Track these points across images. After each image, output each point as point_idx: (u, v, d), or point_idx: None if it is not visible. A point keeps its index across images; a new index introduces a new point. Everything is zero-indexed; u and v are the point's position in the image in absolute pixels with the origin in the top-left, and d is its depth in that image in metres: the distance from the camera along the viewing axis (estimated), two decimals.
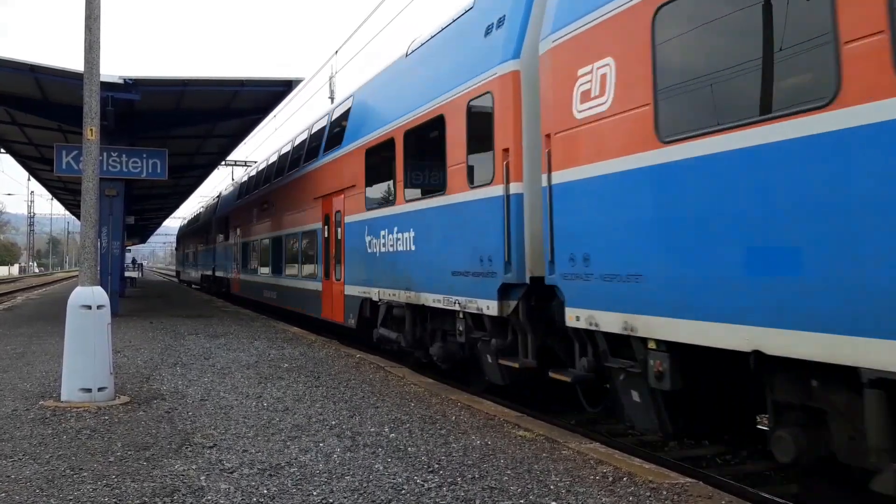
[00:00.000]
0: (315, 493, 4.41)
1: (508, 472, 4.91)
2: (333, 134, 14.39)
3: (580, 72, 6.18)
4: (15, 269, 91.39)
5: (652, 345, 5.51)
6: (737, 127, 4.63)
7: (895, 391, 3.76)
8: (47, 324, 15.37)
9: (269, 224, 20.21)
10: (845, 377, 4.04)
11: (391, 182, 10.63)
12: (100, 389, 7.10)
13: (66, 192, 35.30)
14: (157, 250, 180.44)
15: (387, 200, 10.83)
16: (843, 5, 3.93)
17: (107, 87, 13.55)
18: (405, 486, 4.56)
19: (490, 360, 8.14)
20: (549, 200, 6.56)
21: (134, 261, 54.92)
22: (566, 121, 6.34)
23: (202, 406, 7.02)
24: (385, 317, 10.92)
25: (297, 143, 18.09)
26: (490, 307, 7.64)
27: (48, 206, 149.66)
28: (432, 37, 10.10)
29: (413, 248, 9.70)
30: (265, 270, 20.84)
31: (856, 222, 3.85)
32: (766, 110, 4.47)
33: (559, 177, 6.45)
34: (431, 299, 9.07)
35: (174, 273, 73.77)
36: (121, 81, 15.00)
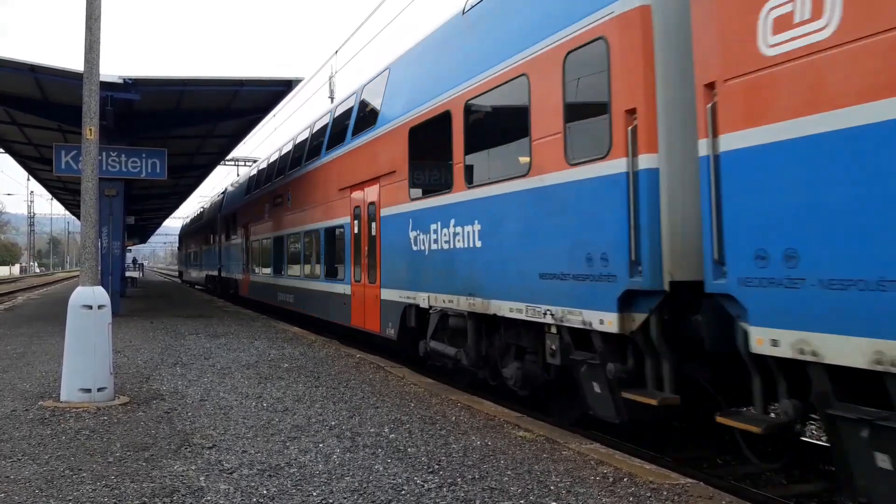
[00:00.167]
0: (315, 494, 4.40)
1: (509, 472, 4.90)
2: (364, 115, 12.71)
3: None
4: (16, 270, 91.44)
5: None
6: None
7: None
8: (47, 324, 15.36)
9: (284, 220, 18.51)
10: None
11: (446, 165, 8.93)
12: (99, 390, 7.09)
13: (65, 192, 35.30)
14: (158, 250, 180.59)
15: (440, 187, 9.21)
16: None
17: (106, 86, 13.56)
18: (405, 487, 4.55)
19: (600, 391, 6.31)
20: (715, 175, 4.87)
21: (134, 261, 54.92)
22: (747, 60, 4.64)
23: (202, 406, 7.01)
24: (438, 327, 9.27)
25: (316, 129, 16.41)
26: (605, 321, 5.93)
27: (48, 206, 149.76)
28: None
29: (478, 244, 8.07)
30: (279, 271, 19.28)
31: None
32: None
33: (735, 140, 4.74)
34: (507, 308, 7.42)
35: (176, 273, 73.65)
36: (120, 81, 14.99)
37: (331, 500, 4.30)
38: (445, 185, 9.00)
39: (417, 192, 9.93)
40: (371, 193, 11.68)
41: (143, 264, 73.18)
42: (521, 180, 7.23)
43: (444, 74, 9.29)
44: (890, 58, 3.77)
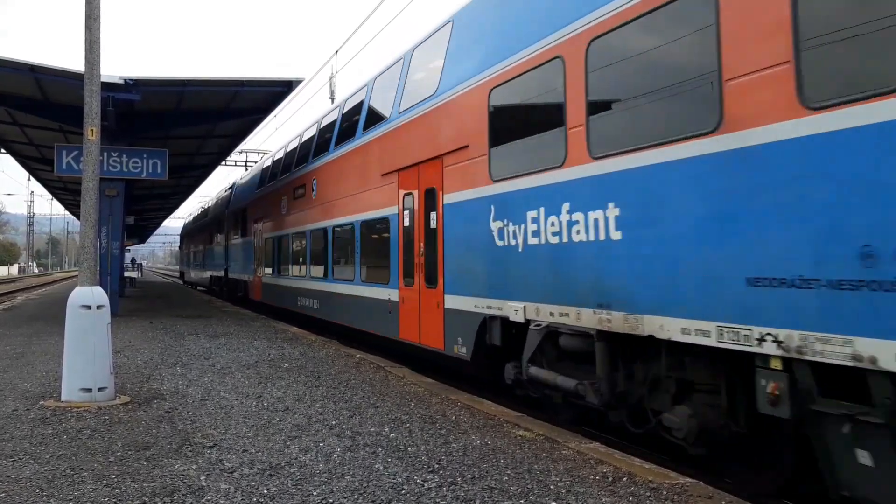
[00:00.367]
0: (315, 493, 4.42)
1: (508, 472, 4.91)
2: (416, 83, 10.72)
3: None
4: (14, 270, 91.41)
5: None
6: None
7: None
8: (47, 324, 15.37)
9: (306, 214, 16.42)
10: None
11: (554, 131, 6.86)
12: (100, 389, 7.10)
13: (66, 192, 35.31)
14: (157, 250, 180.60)
15: (542, 162, 7.09)
16: None
17: (107, 87, 13.55)
18: (405, 486, 4.56)
19: (875, 465, 4.13)
20: None
21: (133, 261, 54.80)
22: None
23: (202, 406, 7.02)
24: (540, 349, 7.13)
25: (348, 108, 14.36)
26: None
27: (48, 206, 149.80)
28: None
29: (616, 236, 5.96)
30: (300, 272, 17.05)
31: None
32: None
33: None
34: (677, 328, 5.29)
35: (177, 274, 73.35)
36: (121, 81, 15.01)
37: (331, 500, 4.31)
38: (553, 159, 6.88)
39: (504, 170, 7.82)
40: (429, 176, 9.68)
41: (141, 264, 73.15)
42: (704, 141, 5.10)
43: (551, 11, 7.18)
44: None
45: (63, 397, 7.12)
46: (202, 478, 4.71)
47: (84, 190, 7.62)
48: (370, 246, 12.39)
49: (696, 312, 5.14)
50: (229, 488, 4.49)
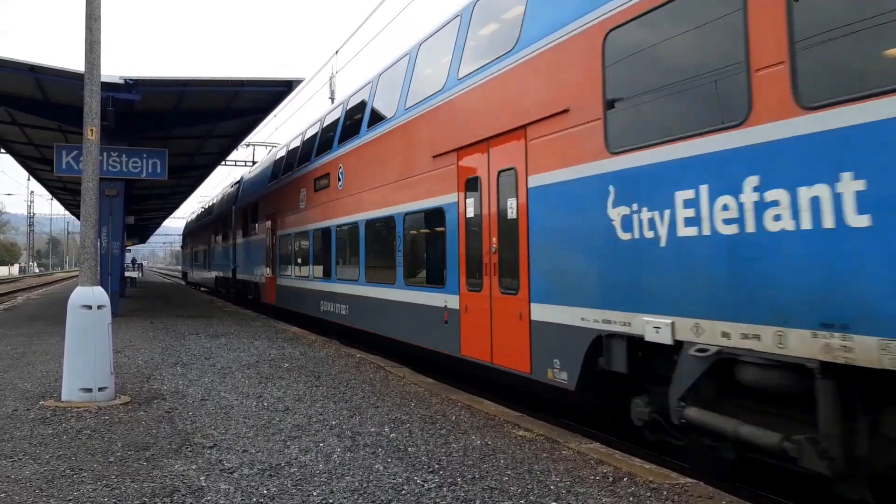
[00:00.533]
0: (315, 494, 4.41)
1: (509, 472, 4.91)
2: (482, 38, 9.07)
3: None
4: (15, 270, 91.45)
5: None
6: None
7: None
8: (48, 324, 15.37)
9: (331, 207, 14.58)
10: None
11: (728, 76, 5.07)
12: (100, 389, 7.10)
13: (65, 192, 35.33)
14: (157, 250, 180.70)
15: (703, 121, 5.28)
16: None
17: (107, 87, 13.55)
18: (405, 487, 4.56)
19: None
20: None
21: (134, 261, 54.61)
22: None
23: (202, 406, 7.02)
24: (702, 382, 5.24)
25: (383, 83, 12.49)
26: None
27: (48, 206, 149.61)
28: None
29: (859, 221, 4.12)
30: (324, 273, 15.17)
31: None
32: None
33: None
34: None
35: (177, 274, 73.24)
36: (121, 81, 15.01)
37: (331, 500, 4.31)
38: (723, 116, 5.08)
39: (631, 137, 5.99)
40: (505, 154, 7.88)
41: (142, 264, 73.10)
42: None
43: None
44: None
45: (63, 397, 7.12)
46: (202, 478, 4.70)
47: (84, 190, 7.62)
48: (417, 242, 10.80)
49: None
50: (229, 488, 4.49)
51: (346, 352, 11.49)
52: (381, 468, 4.96)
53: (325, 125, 16.01)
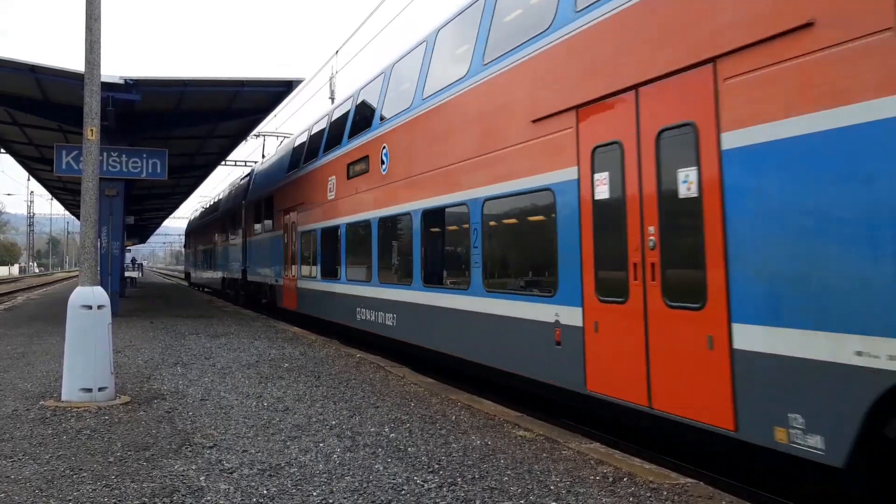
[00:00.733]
0: (315, 494, 4.41)
1: (509, 472, 4.91)
2: None
3: None
4: (15, 270, 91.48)
5: None
6: None
7: None
8: (48, 324, 15.37)
9: (371, 196, 12.37)
10: None
11: None
12: (100, 389, 7.10)
13: (65, 192, 35.33)
14: (158, 250, 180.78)
15: None
16: None
17: (107, 87, 13.57)
18: (405, 487, 4.56)
19: None
20: None
21: (133, 261, 54.54)
22: None
23: (202, 406, 7.02)
24: None
25: (443, 39, 10.35)
26: None
27: (48, 206, 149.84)
28: None
29: None
30: (362, 275, 12.87)
31: None
32: None
33: None
34: None
35: (176, 274, 72.97)
36: (121, 82, 15.01)
37: (331, 500, 4.31)
38: None
39: None
40: (671, 104, 5.77)
41: (142, 264, 73.04)
42: None
43: None
44: None
45: (63, 397, 7.12)
46: (202, 478, 4.70)
47: (84, 190, 7.62)
48: (504, 236, 8.73)
49: None
50: (229, 488, 4.49)
51: (346, 352, 11.49)
52: (381, 468, 4.96)
53: (359, 101, 13.68)
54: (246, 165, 38.18)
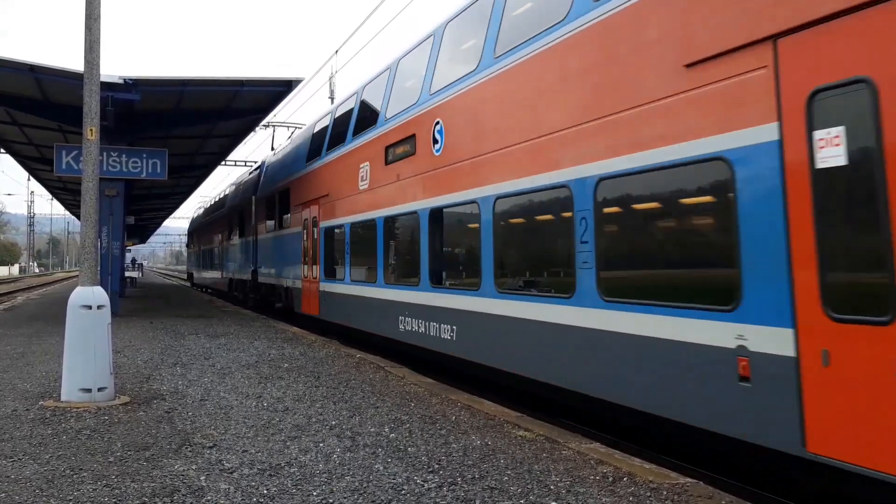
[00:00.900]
0: (315, 494, 4.41)
1: (508, 472, 4.90)
2: None
3: None
4: (15, 270, 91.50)
5: None
6: None
7: None
8: (47, 324, 15.37)
9: (422, 183, 10.28)
10: None
11: None
12: (100, 389, 7.10)
13: (66, 192, 35.33)
14: (158, 250, 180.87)
15: None
16: None
17: (107, 87, 13.56)
18: (405, 487, 4.56)
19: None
20: None
21: (133, 261, 54.47)
22: None
23: (202, 406, 7.02)
24: None
25: None
26: None
27: (48, 206, 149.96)
28: None
29: None
30: (404, 278, 11.09)
31: None
32: None
33: None
34: None
35: (177, 274, 72.67)
36: (121, 81, 15.01)
37: (331, 500, 4.31)
38: None
39: None
40: None
41: (142, 264, 73.03)
42: None
43: None
44: None
45: (63, 397, 7.11)
46: (202, 478, 4.70)
47: (84, 190, 7.62)
48: (637, 225, 6.59)
49: None
50: (229, 488, 4.49)
51: (346, 352, 11.49)
52: (381, 468, 4.96)
53: (400, 71, 11.63)
54: (246, 165, 37.86)
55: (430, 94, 10.13)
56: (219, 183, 79.55)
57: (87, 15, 7.73)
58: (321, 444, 5.58)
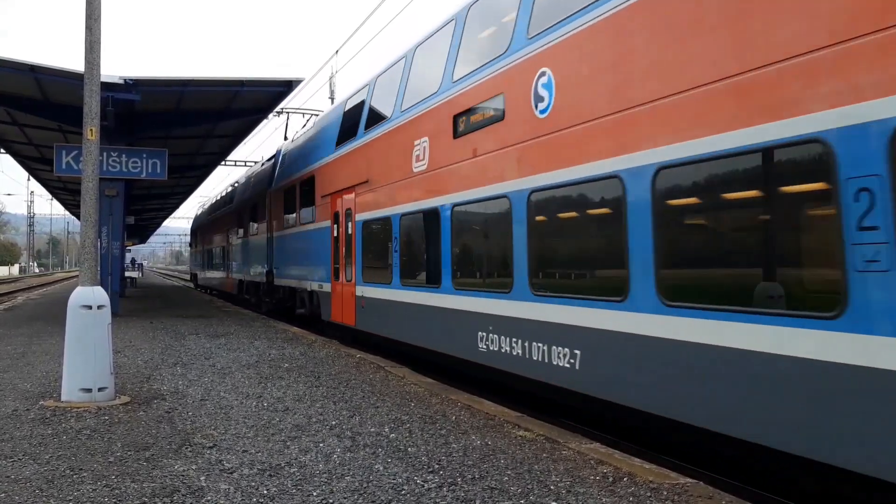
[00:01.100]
0: (315, 494, 4.41)
1: (509, 472, 4.90)
2: None
3: None
4: (15, 270, 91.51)
5: None
6: None
7: None
8: (47, 324, 15.37)
9: (517, 156, 7.89)
10: None
11: None
12: (100, 389, 7.10)
13: (65, 192, 35.35)
14: (158, 250, 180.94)
15: None
16: None
17: (107, 87, 13.56)
18: (405, 487, 4.56)
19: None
20: None
21: (133, 261, 54.40)
22: None
23: (202, 406, 7.02)
24: None
25: None
26: None
27: (48, 206, 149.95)
28: None
29: None
30: (490, 281, 8.66)
31: None
32: None
33: None
34: None
35: (176, 274, 72.36)
36: (121, 82, 15.02)
37: (331, 500, 4.31)
38: None
39: None
40: None
41: (142, 264, 73.02)
42: None
43: None
44: None
45: (63, 397, 7.11)
46: (202, 478, 4.70)
47: (84, 190, 7.62)
48: None
49: None
50: (229, 488, 4.49)
51: (346, 352, 11.49)
52: (381, 468, 4.96)
53: (469, 19, 9.42)
54: (246, 165, 37.18)
55: (529, 39, 7.79)
56: (219, 183, 79.49)
57: (87, 15, 7.73)
58: (321, 444, 5.59)
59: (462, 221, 9.28)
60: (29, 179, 65.83)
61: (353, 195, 13.26)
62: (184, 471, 4.86)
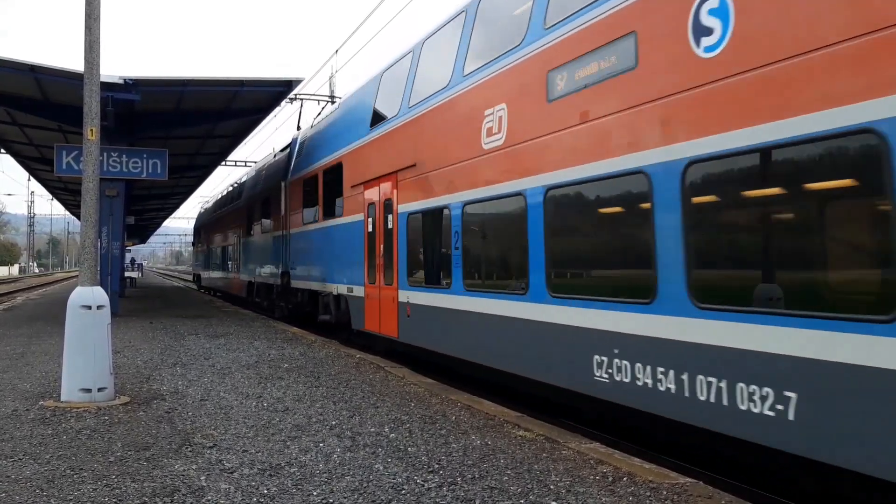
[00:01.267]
0: (315, 493, 4.41)
1: (508, 472, 4.91)
2: None
3: None
4: (15, 270, 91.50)
5: None
6: None
7: None
8: (47, 324, 15.37)
9: (660, 117, 5.71)
10: None
11: None
12: (100, 390, 7.10)
13: (66, 192, 35.34)
14: (158, 251, 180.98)
15: None
16: None
17: (107, 87, 13.56)
18: (405, 486, 4.56)
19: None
20: None
21: (133, 261, 54.31)
22: None
23: (202, 406, 7.02)
24: None
25: None
26: None
27: (48, 207, 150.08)
28: None
29: None
30: (609, 287, 6.48)
31: None
32: None
33: None
34: None
35: (176, 275, 71.88)
36: (121, 81, 15.02)
37: (331, 500, 4.31)
38: None
39: None
40: None
41: (141, 264, 72.97)
42: None
43: None
44: None
45: (63, 397, 7.11)
46: (202, 478, 4.70)
47: (84, 190, 7.62)
48: None
49: None
50: (229, 488, 4.49)
51: (346, 352, 11.49)
52: (381, 468, 4.96)
53: None
54: (246, 165, 36.09)
55: None
56: (219, 183, 79.39)
57: (87, 15, 7.73)
58: (321, 444, 5.59)
59: (560, 208, 7.16)
60: (29, 179, 65.81)
61: (393, 183, 11.25)
62: (184, 470, 4.86)
